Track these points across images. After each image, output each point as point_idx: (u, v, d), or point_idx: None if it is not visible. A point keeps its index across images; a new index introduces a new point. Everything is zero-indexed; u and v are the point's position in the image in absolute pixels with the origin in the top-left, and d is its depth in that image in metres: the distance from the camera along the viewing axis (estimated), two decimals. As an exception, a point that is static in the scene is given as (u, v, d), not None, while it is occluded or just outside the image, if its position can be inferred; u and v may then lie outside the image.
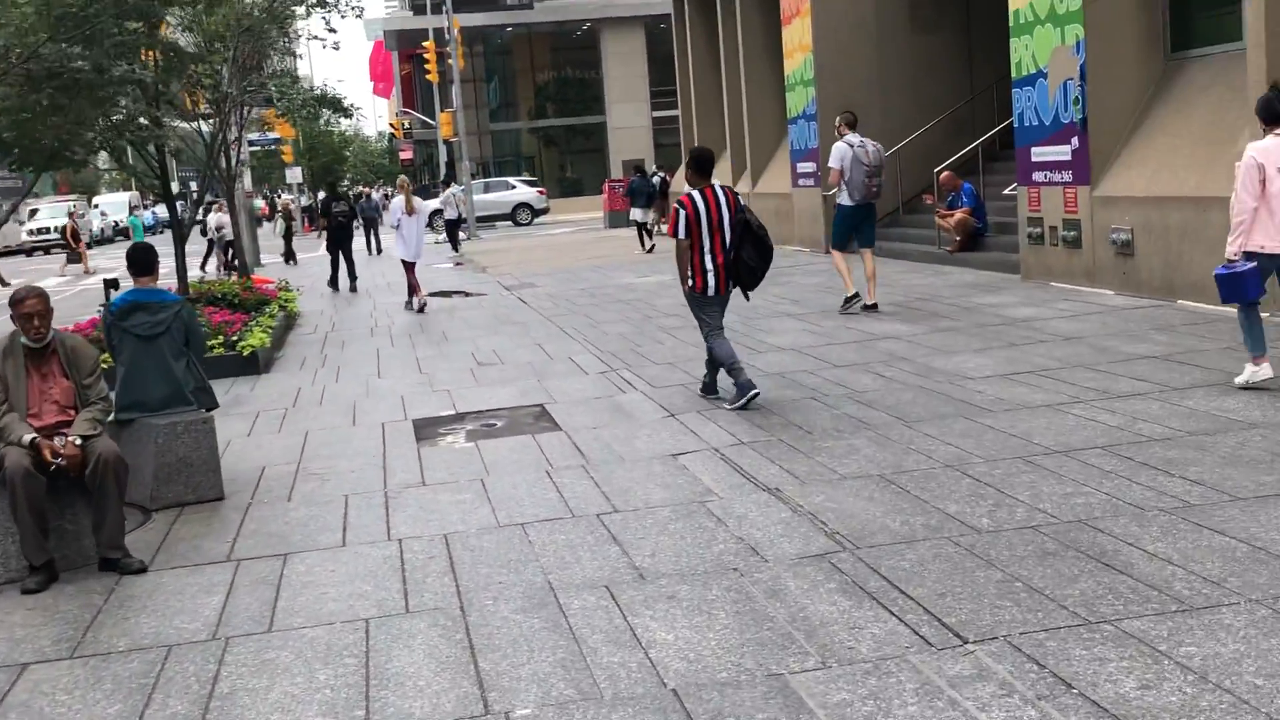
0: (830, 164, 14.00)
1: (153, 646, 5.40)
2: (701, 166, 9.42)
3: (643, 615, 5.18)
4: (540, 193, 49.97)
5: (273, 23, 19.55)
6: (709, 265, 9.25)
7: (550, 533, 6.50)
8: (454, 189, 36.01)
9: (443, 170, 50.07)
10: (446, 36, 41.97)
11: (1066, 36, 14.16)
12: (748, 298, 10.11)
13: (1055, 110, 14.56)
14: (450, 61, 42.11)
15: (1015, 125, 15.67)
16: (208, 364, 12.95)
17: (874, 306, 13.81)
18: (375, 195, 50.49)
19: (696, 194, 9.26)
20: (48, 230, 51.34)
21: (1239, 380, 8.38)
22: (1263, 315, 8.47)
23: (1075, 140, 14.21)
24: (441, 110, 48.42)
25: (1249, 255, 8.07)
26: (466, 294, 20.82)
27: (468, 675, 4.76)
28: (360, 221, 32.94)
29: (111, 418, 7.42)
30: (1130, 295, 13.11)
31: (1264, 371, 8.26)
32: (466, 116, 47.28)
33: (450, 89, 45.11)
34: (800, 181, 23.35)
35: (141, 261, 8.10)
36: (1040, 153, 14.98)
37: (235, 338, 13.71)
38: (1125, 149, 13.75)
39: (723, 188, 9.36)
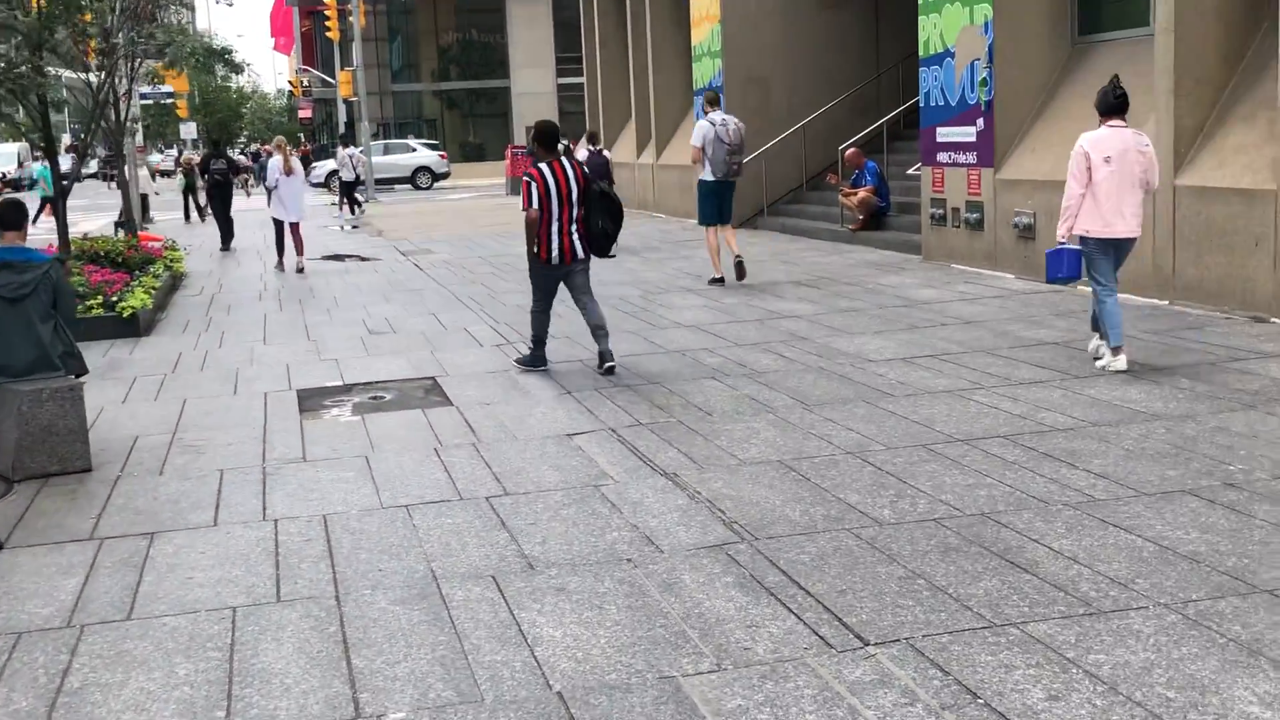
0: (693, 141, 14.17)
1: (1, 633, 5.00)
2: (547, 141, 9.58)
3: (530, 609, 4.91)
4: (441, 156, 49.23)
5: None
6: (554, 236, 9.46)
7: (436, 516, 6.19)
8: (352, 149, 35.19)
9: (342, 129, 49.04)
10: (348, -7, 41.03)
11: (975, 16, 14.06)
12: (611, 255, 10.57)
13: (962, 91, 14.48)
14: (351, 19, 41.18)
15: (921, 105, 15.57)
16: (85, 324, 12.48)
17: (722, 280, 14.31)
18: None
19: (545, 167, 9.43)
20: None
21: (1098, 365, 8.81)
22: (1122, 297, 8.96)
23: (981, 122, 14.14)
24: (342, 69, 47.40)
25: (1081, 240, 8.60)
26: (362, 258, 20.30)
27: (339, 673, 4.45)
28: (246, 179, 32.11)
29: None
30: (1031, 279, 13.08)
31: (1120, 363, 8.58)
32: (367, 76, 46.36)
33: (351, 47, 44.16)
34: (704, 154, 23.07)
35: (9, 218, 7.60)
36: (946, 133, 14.91)
37: (115, 298, 13.12)
38: (1030, 132, 13.71)
39: (570, 161, 9.54)
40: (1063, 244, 8.72)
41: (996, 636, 4.38)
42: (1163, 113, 11.25)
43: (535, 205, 9.35)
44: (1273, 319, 10.09)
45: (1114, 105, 8.51)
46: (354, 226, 28.45)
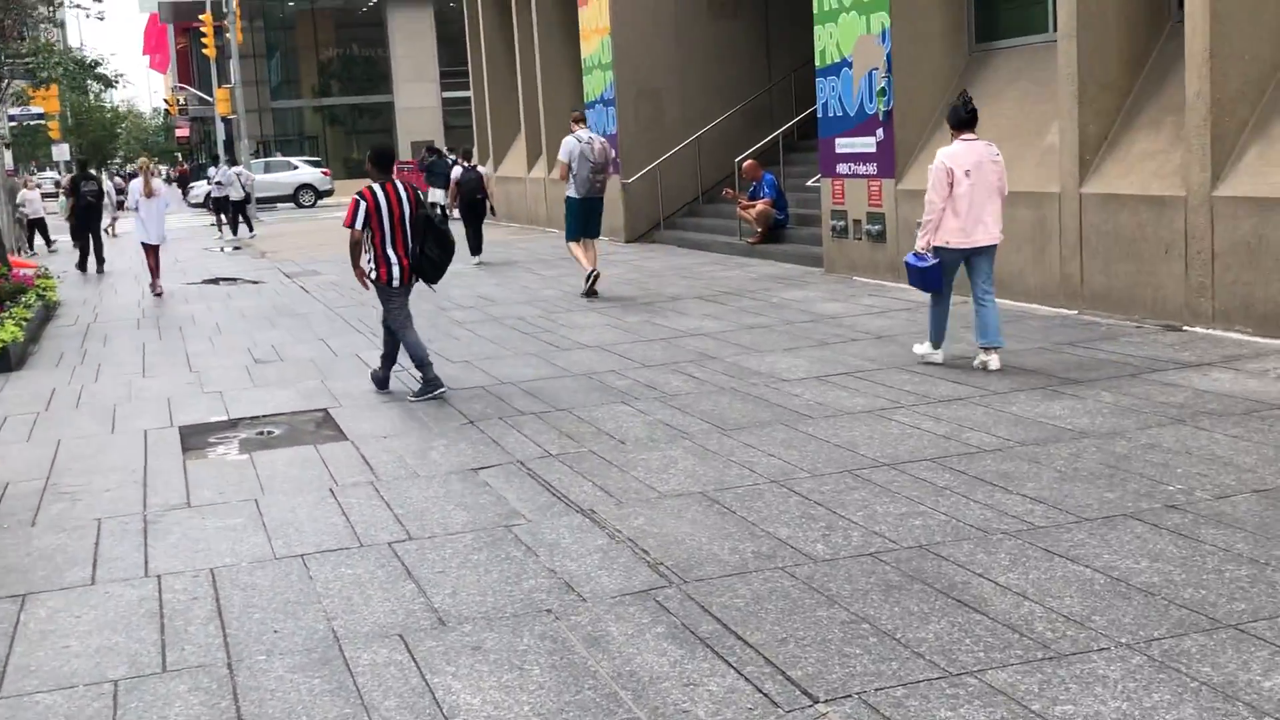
0: (559, 158, 14.49)
1: None
2: (381, 162, 9.61)
3: (443, 673, 4.47)
4: (325, 173, 48.24)
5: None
6: (392, 256, 9.41)
7: (335, 566, 5.71)
8: (239, 168, 34.16)
9: (221, 148, 47.84)
10: (224, 9, 39.99)
11: (872, 25, 13.90)
12: (433, 289, 10.36)
13: (860, 101, 14.31)
14: (229, 36, 40.18)
15: (819, 115, 15.39)
16: (-52, 361, 11.74)
17: (595, 275, 14.56)
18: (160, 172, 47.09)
19: (378, 187, 9.39)
20: None
21: (917, 349, 9.61)
22: (955, 301, 9.54)
23: (880, 132, 13.98)
24: (219, 86, 46.25)
25: (937, 250, 8.94)
26: (245, 281, 19.57)
27: (234, 759, 3.98)
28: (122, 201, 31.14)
29: None
30: (935, 290, 12.91)
31: (936, 356, 9.38)
32: (246, 93, 45.30)
33: (229, 64, 43.09)
34: (597, 168, 22.71)
35: None
36: (844, 144, 14.73)
37: (-19, 331, 12.36)
38: (930, 142, 13.57)
39: (404, 184, 9.55)
40: (923, 256, 9.02)
41: (954, 688, 4.05)
42: (1066, 120, 11.14)
43: (360, 225, 9.32)
44: (1186, 327, 10.01)
45: (965, 120, 8.94)
46: (235, 248, 27.59)
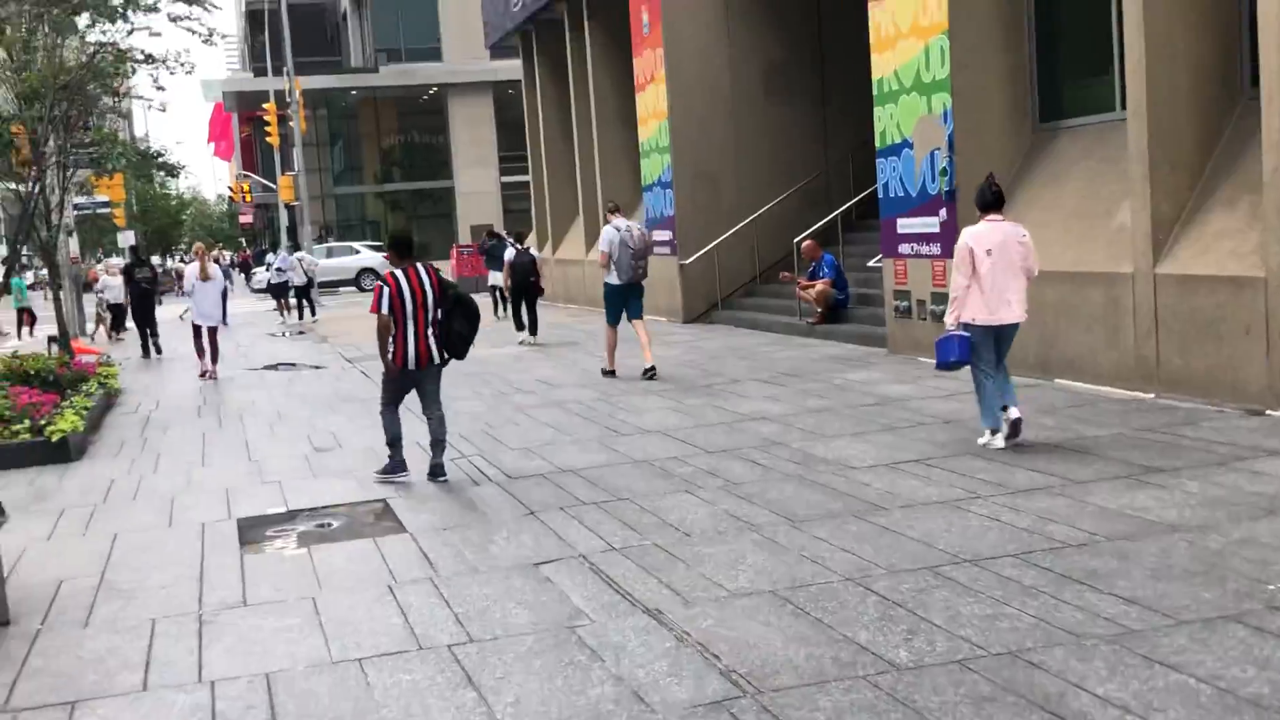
0: (600, 247, 15.01)
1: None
2: (400, 248, 9.87)
3: (508, 791, 4.23)
4: (386, 258, 48.51)
5: (95, 79, 18.20)
6: (410, 340, 9.58)
7: (393, 672, 5.49)
8: (301, 253, 34.48)
9: (283, 234, 48.43)
10: (288, 99, 40.66)
11: (933, 106, 13.75)
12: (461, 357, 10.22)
13: (922, 181, 14.13)
14: (292, 124, 40.79)
15: (880, 196, 15.22)
16: (11, 452, 11.71)
17: (652, 370, 14.62)
18: (224, 258, 46.94)
19: (399, 273, 9.64)
20: None
21: (980, 442, 9.37)
22: (1013, 377, 9.53)
23: (943, 212, 13.78)
24: (282, 173, 46.91)
25: (965, 327, 9.13)
26: (315, 367, 19.58)
27: None
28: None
29: None
30: (1004, 373, 12.61)
31: (997, 441, 9.21)
32: (309, 180, 45.92)
33: (292, 152, 43.71)
34: (655, 250, 22.64)
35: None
36: (907, 224, 14.53)
37: (44, 421, 12.34)
38: (995, 221, 13.32)
39: (425, 267, 9.77)
40: (951, 331, 9.19)
41: (1057, 813, 3.76)
42: (1138, 199, 10.88)
43: (385, 310, 9.49)
44: (1269, 411, 9.65)
45: (990, 201, 9.22)
46: (299, 332, 27.73)
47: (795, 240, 19.00)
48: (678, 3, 21.27)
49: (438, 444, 9.84)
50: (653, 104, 22.11)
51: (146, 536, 8.58)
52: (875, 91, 15.03)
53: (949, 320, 9.25)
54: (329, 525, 8.58)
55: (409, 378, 9.78)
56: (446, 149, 59.29)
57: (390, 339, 9.58)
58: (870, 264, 16.56)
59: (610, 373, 15.05)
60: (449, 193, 59.34)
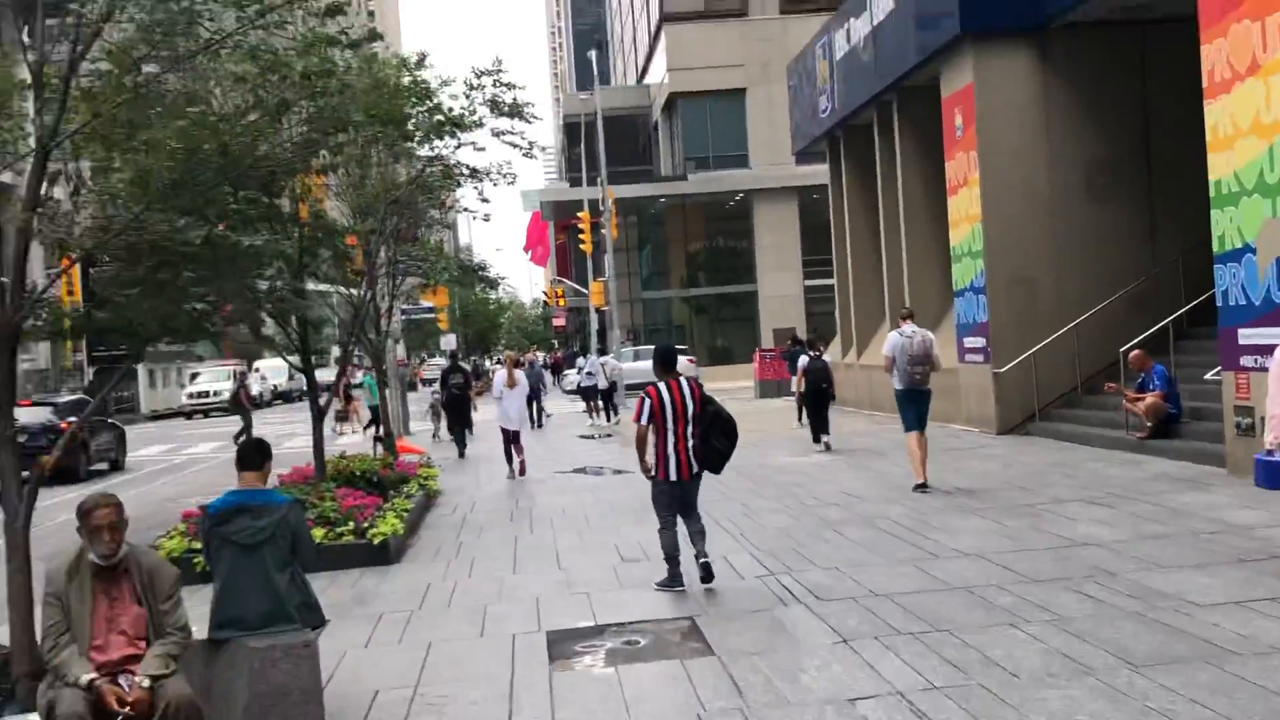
0: (884, 352, 15.18)
1: None
2: (666, 362, 10.23)
3: None
4: (690, 361, 49.21)
5: (423, 193, 19.14)
6: (671, 453, 9.90)
7: (704, 814, 5.24)
8: (605, 358, 35.32)
9: (594, 337, 49.75)
10: (601, 208, 41.97)
11: (1279, 209, 12.78)
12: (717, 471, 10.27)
13: (1267, 288, 13.12)
14: (604, 231, 42.02)
15: (1219, 303, 14.21)
16: (335, 553, 12.17)
17: (923, 485, 14.61)
18: (538, 358, 47.17)
19: (662, 385, 9.96)
20: (207, 394, 52.83)
21: None
22: None
23: (1292, 322, 12.72)
24: (594, 278, 48.34)
25: None
26: (619, 471, 19.77)
27: None
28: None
29: (194, 637, 6.44)
30: (1367, 498, 11.44)
31: None
32: (618, 284, 47.09)
33: (604, 258, 45.01)
34: (967, 357, 21.97)
35: (250, 459, 7.17)
36: (1249, 334, 13.50)
37: (366, 524, 12.80)
38: (1353, 332, 12.22)
39: (687, 380, 10.03)
40: (1272, 451, 8.63)
41: None
42: None
43: (645, 421, 9.85)
44: None
45: None
46: (607, 435, 28.21)
47: (1121, 349, 18.01)
48: (993, 104, 20.75)
49: (699, 535, 10.15)
50: (965, 207, 21.57)
51: (459, 647, 8.66)
52: (1213, 193, 14.12)
53: (1269, 439, 8.66)
54: (636, 643, 8.45)
55: (674, 489, 10.02)
56: (751, 253, 59.80)
57: (652, 450, 9.89)
58: (1208, 376, 15.44)
59: (922, 486, 14.62)
60: (752, 296, 59.71)
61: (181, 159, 7.14)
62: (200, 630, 6.72)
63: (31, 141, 7.21)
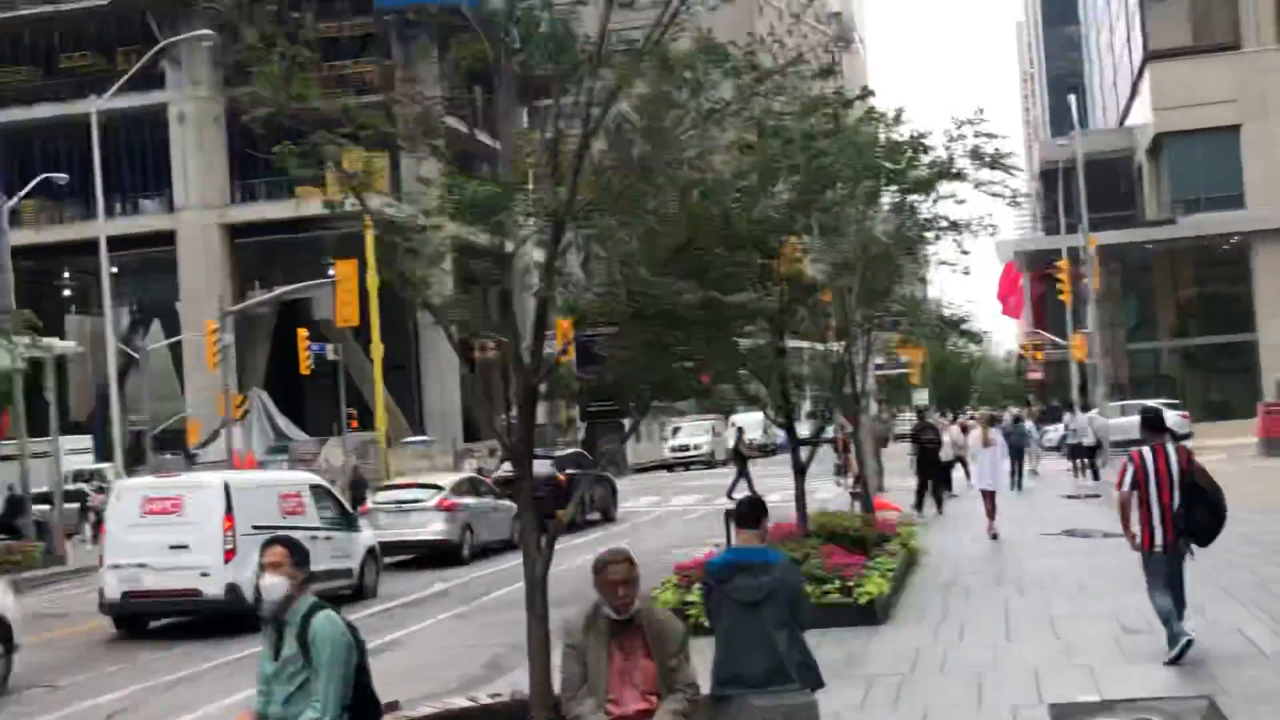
0: None
1: None
2: (1151, 425, 9.77)
3: None
4: (1183, 416, 46.05)
5: (901, 247, 19.02)
6: (1155, 522, 9.38)
7: None
8: (1090, 414, 33.66)
9: (1075, 392, 47.67)
10: (1082, 255, 40.33)
11: None
12: (1191, 553, 9.66)
13: None
14: (1085, 281, 40.31)
15: None
16: (821, 610, 12.14)
17: None
18: (1025, 419, 42.02)
19: (1146, 450, 9.48)
20: (687, 448, 55.20)
21: None
22: None
23: None
24: (1073, 330, 46.42)
25: None
26: (1109, 534, 18.70)
27: None
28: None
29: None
30: None
31: None
32: (1101, 336, 44.99)
33: (1084, 308, 43.15)
34: None
35: (747, 517, 7.27)
36: None
37: (852, 583, 12.74)
38: None
39: (1175, 447, 9.57)
40: None
41: None
42: None
43: (1127, 487, 9.48)
44: None
45: None
46: (1093, 495, 26.81)
47: None
48: None
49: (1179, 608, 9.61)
50: None
51: (956, 714, 8.41)
52: None
53: None
54: (1149, 722, 7.89)
55: (1159, 559, 9.49)
56: (1249, 299, 55.48)
57: (1136, 518, 9.51)
58: None
59: None
60: (1251, 346, 55.30)
61: (685, 225, 7.42)
62: (702, 685, 6.86)
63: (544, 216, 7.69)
